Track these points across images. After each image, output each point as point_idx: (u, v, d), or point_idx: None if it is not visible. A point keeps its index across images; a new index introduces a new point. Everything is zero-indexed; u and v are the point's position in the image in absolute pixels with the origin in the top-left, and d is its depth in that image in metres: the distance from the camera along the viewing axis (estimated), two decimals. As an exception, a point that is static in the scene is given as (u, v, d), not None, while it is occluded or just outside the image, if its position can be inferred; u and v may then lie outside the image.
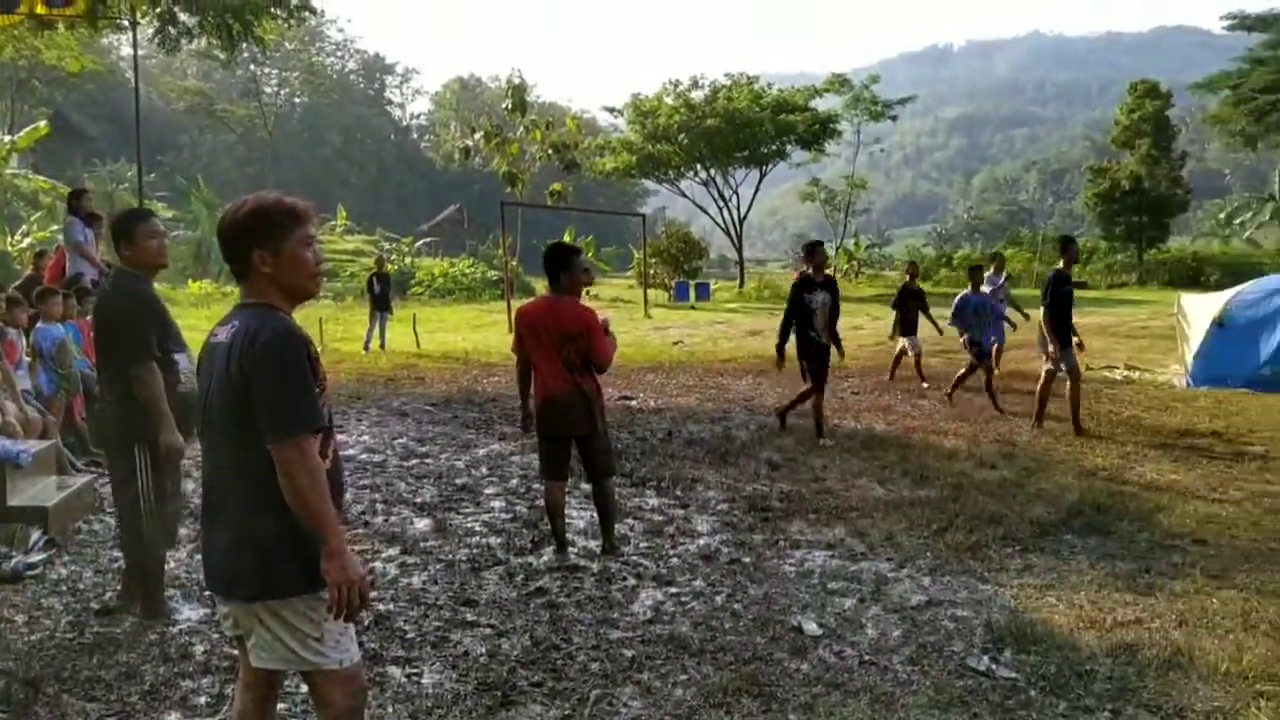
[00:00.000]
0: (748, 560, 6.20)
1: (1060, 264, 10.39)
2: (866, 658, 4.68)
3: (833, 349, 9.83)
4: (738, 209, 51.49)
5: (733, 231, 51.60)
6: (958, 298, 12.02)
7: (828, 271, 10.19)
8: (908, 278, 14.90)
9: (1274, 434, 10.27)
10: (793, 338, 9.86)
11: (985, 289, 13.44)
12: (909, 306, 13.77)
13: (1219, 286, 26.48)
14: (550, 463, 6.17)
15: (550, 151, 46.61)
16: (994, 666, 4.56)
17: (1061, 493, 7.75)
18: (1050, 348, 10.09)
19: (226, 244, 2.85)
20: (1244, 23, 47.56)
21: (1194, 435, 10.22)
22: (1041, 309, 10.24)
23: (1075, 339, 10.41)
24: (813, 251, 10.11)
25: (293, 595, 2.81)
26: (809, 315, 9.66)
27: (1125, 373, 15.47)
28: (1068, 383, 10.28)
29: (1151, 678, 4.46)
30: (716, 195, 50.95)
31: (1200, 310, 14.24)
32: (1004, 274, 14.62)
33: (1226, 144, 52.91)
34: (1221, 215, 69.33)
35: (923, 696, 4.26)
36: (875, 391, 13.18)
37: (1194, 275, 44.79)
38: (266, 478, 2.71)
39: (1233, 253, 52.75)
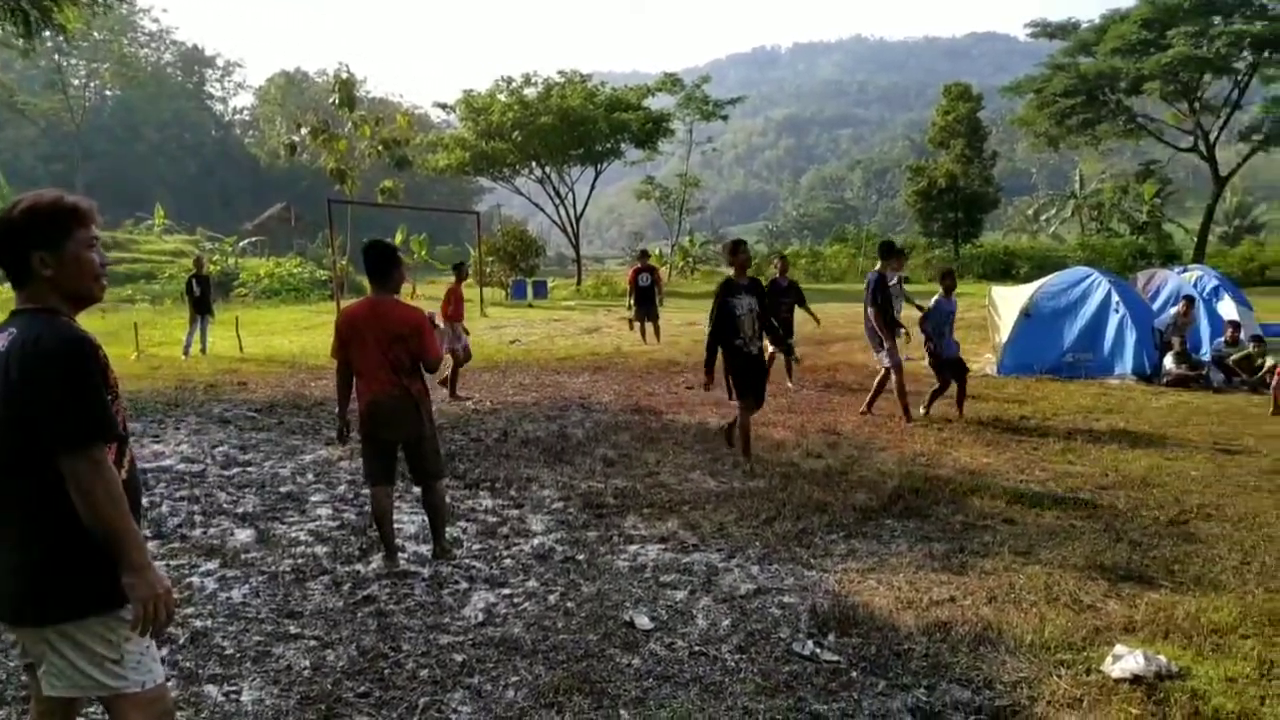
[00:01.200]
0: (582, 558, 6.20)
1: (878, 265, 10.86)
2: (697, 648, 4.75)
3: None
4: (574, 206, 51.59)
5: (569, 229, 51.67)
6: (933, 301, 11.37)
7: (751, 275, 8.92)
8: (777, 274, 13.83)
9: (1074, 417, 10.95)
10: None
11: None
12: (781, 305, 13.07)
13: (1028, 279, 28.10)
14: (376, 467, 6.01)
15: (380, 148, 45.51)
16: (818, 650, 4.70)
17: (883, 479, 8.04)
18: (886, 343, 10.62)
19: (1, 246, 2.65)
20: (1046, 31, 50.57)
21: (1004, 420, 10.78)
22: (870, 308, 10.66)
23: (902, 331, 11.00)
24: (735, 250, 8.80)
25: (85, 616, 2.65)
26: (735, 323, 8.52)
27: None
28: (892, 375, 10.73)
29: (963, 653, 4.68)
30: (552, 193, 50.92)
31: (1009, 301, 15.05)
32: (902, 270, 14.36)
33: (1032, 145, 56.04)
34: (1029, 211, 73.60)
35: (750, 684, 4.34)
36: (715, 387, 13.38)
37: (1005, 268, 47.36)
38: (51, 493, 2.54)
39: (1040, 247, 56.03)
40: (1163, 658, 4.47)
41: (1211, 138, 48.38)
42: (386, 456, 6.00)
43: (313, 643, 4.88)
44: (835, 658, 4.63)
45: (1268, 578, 5.72)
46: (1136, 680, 4.31)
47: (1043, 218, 70.01)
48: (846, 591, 5.54)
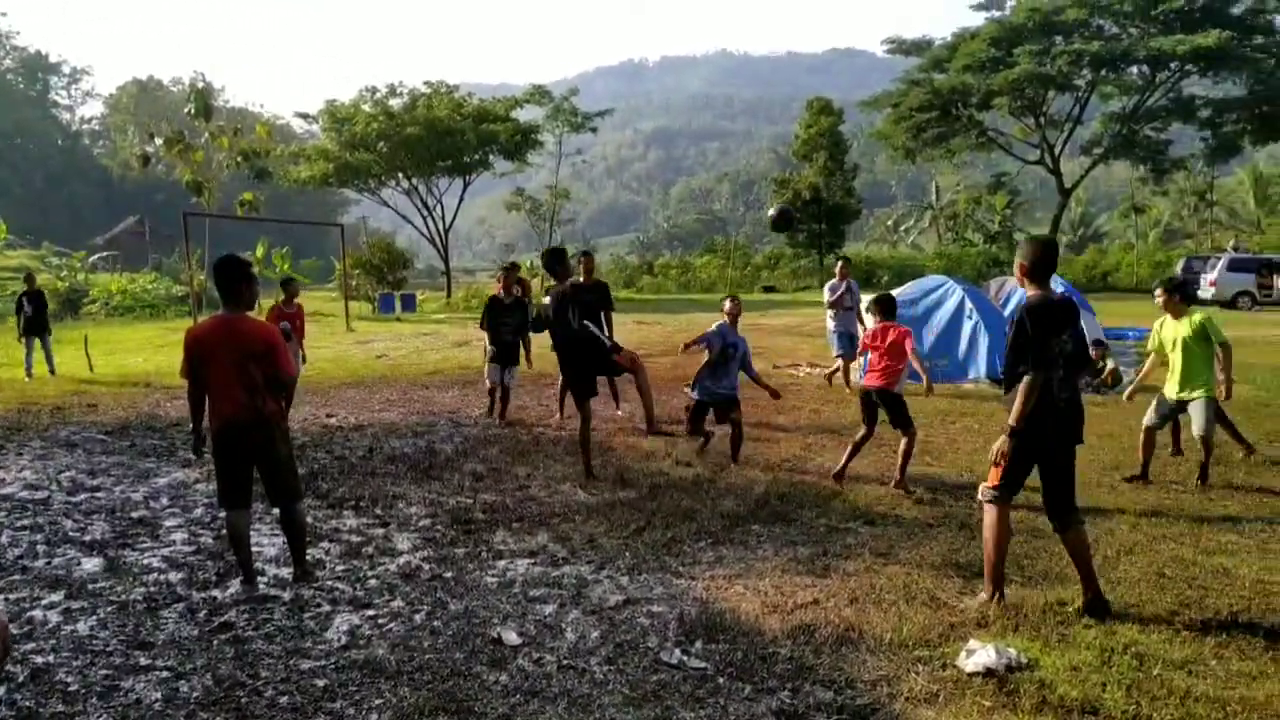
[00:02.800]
0: (449, 575, 6.11)
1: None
2: (565, 662, 4.73)
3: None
4: (443, 218, 51.01)
5: (438, 241, 51.08)
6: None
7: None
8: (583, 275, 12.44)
9: (931, 420, 11.33)
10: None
11: (827, 294, 14.14)
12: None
13: (889, 287, 28.95)
14: (231, 490, 5.80)
15: (239, 159, 44.21)
16: (685, 659, 4.73)
17: (750, 485, 8.17)
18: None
19: None
20: (901, 48, 52.47)
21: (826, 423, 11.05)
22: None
23: None
24: (508, 272, 10.05)
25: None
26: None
27: (808, 370, 16.59)
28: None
29: (826, 654, 4.79)
30: (420, 205, 50.26)
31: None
32: (848, 278, 14.28)
33: (891, 157, 58.03)
34: (889, 222, 76.17)
35: (618, 695, 4.35)
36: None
37: (868, 277, 48.77)
38: None
39: (900, 256, 58.01)
40: (1013, 650, 4.66)
41: (1056, 151, 50.96)
42: (241, 478, 5.80)
43: (165, 674, 4.68)
44: (702, 665, 4.67)
45: (1109, 569, 6.02)
46: (989, 673, 4.48)
47: (902, 228, 72.54)
48: (714, 598, 5.60)
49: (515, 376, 11.87)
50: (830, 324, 14.33)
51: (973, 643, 4.75)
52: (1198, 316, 8.52)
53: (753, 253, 68.26)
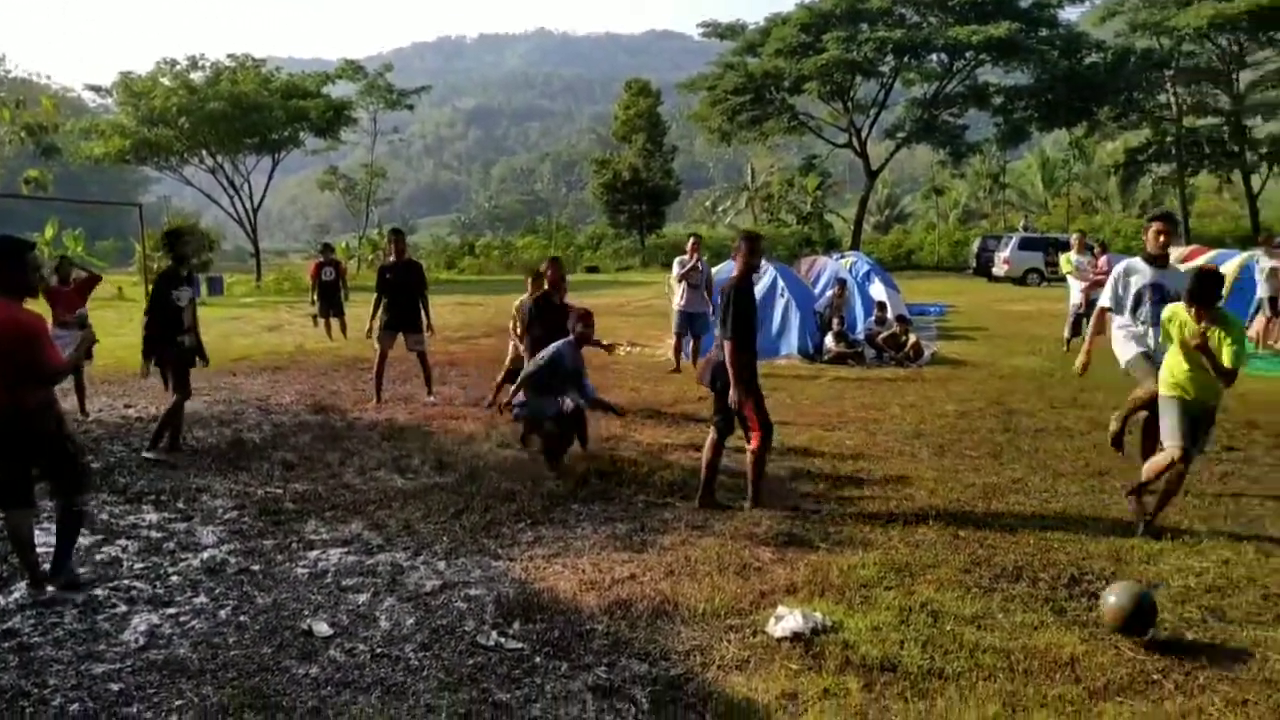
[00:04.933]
0: (257, 568, 5.89)
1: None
2: (379, 650, 4.64)
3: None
4: (251, 198, 48.89)
5: (247, 222, 48.96)
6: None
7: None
8: (392, 254, 11.65)
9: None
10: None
11: (675, 269, 13.90)
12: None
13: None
14: (6, 490, 5.39)
15: (24, 134, 41.08)
16: (502, 640, 4.72)
17: (570, 464, 8.19)
18: None
19: None
20: (717, 31, 53.37)
21: (684, 402, 11.29)
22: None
23: None
24: (174, 242, 9.26)
25: None
26: (176, 314, 8.73)
27: (628, 348, 16.76)
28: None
29: (643, 628, 4.87)
30: (226, 183, 48.01)
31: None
32: (698, 255, 14.11)
33: (708, 139, 59.02)
34: (708, 203, 77.63)
35: (434, 681, 4.30)
36: (398, 381, 13.08)
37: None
38: None
39: (718, 237, 59.16)
40: (819, 614, 4.86)
41: (863, 135, 53.00)
42: (14, 475, 5.39)
43: (-63, 689, 4.33)
44: (519, 645, 4.67)
45: (909, 533, 6.34)
46: (796, 638, 4.66)
47: (720, 209, 74.05)
48: (532, 579, 5.60)
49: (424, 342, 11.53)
50: (676, 301, 14.15)
51: (781, 609, 4.92)
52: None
53: (575, 233, 68.44)
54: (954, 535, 6.27)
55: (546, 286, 9.30)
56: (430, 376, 11.63)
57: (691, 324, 13.72)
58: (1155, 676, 4.29)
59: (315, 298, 19.01)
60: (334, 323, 18.57)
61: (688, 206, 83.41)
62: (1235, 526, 6.45)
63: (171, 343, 8.75)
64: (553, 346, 8.22)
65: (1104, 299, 7.64)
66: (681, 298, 13.77)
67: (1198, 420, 6.25)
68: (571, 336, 8.28)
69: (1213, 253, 22.57)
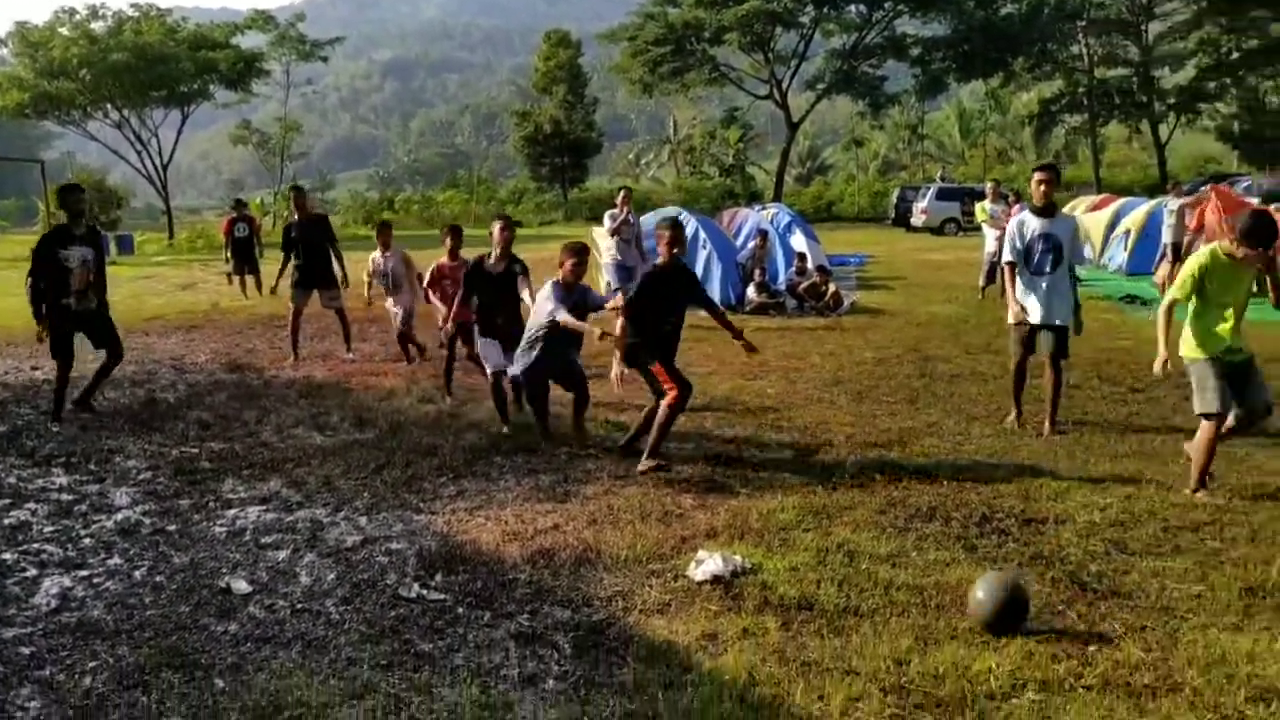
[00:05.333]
0: (173, 528, 5.79)
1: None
2: (299, 606, 4.61)
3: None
4: (160, 154, 47.40)
5: (156, 178, 47.50)
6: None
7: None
8: (295, 211, 11.58)
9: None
10: None
11: (606, 223, 13.64)
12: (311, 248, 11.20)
13: (629, 220, 29.43)
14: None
15: (-92, 87, 39.29)
16: (424, 592, 4.72)
17: (493, 419, 8.15)
18: None
19: None
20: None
21: (606, 355, 11.27)
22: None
23: None
24: (66, 198, 8.66)
25: None
26: (64, 275, 8.27)
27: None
28: None
29: (565, 576, 4.90)
30: (133, 138, 46.44)
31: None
32: (629, 208, 13.62)
33: (630, 91, 58.58)
34: (631, 156, 77.28)
35: (355, 634, 4.29)
36: (316, 339, 12.88)
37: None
38: None
39: (642, 190, 59.07)
40: (738, 557, 4.94)
41: (784, 86, 53.08)
42: None
43: None
44: (442, 597, 4.68)
45: (825, 477, 6.46)
46: (716, 580, 4.73)
47: (643, 161, 73.79)
48: (454, 531, 5.60)
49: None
50: (607, 256, 14.12)
51: (701, 553, 5.00)
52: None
53: (496, 187, 67.67)
54: (870, 478, 6.41)
55: (499, 251, 7.85)
56: (349, 333, 11.48)
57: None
58: (1060, 607, 4.46)
59: (229, 255, 18.58)
60: (249, 280, 18.16)
61: (611, 159, 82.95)
62: (1139, 463, 6.68)
63: (55, 305, 8.30)
64: (544, 298, 7.07)
65: (1006, 254, 7.81)
66: (614, 251, 13.79)
67: (1233, 376, 5.93)
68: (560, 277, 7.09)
69: (1121, 201, 23.22)
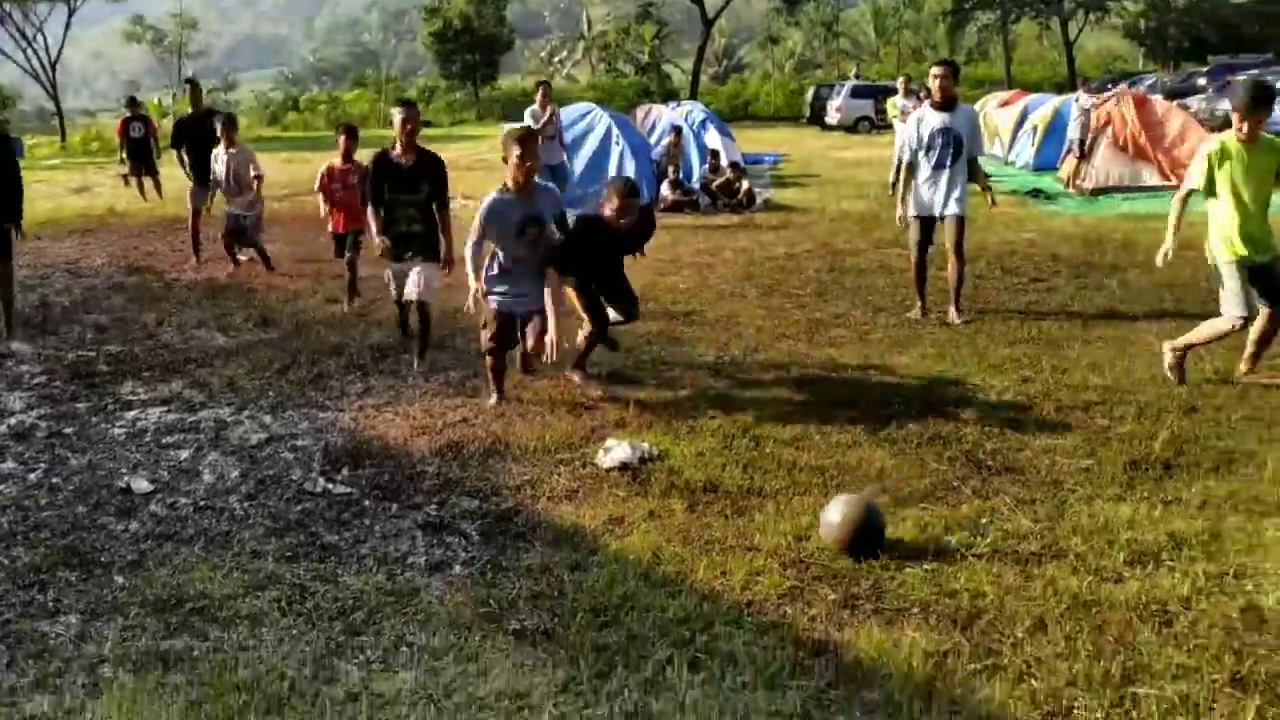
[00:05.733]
0: (70, 431, 5.64)
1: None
2: (202, 503, 4.55)
3: None
4: (48, 51, 44.96)
5: (44, 78, 45.13)
6: None
7: None
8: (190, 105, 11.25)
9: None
10: None
11: (529, 120, 12.59)
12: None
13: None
14: None
15: None
16: (330, 486, 4.70)
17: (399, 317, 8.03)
18: None
19: None
20: None
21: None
22: None
23: None
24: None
25: None
26: None
27: (463, 202, 16.40)
28: None
29: (474, 468, 4.92)
30: (17, 35, 43.91)
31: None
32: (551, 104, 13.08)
33: (543, -15, 57.03)
34: (544, 54, 75.54)
35: (260, 529, 4.26)
36: (219, 241, 12.46)
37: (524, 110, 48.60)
38: None
39: (557, 88, 57.93)
40: (646, 444, 5.00)
41: (698, -19, 52.08)
42: None
43: None
44: (348, 490, 4.66)
45: (736, 368, 6.54)
46: (624, 467, 4.79)
47: (557, 59, 72.27)
48: (361, 428, 5.56)
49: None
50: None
51: (610, 441, 5.04)
52: None
53: (406, 86, 65.72)
54: (778, 367, 6.51)
55: (404, 141, 6.69)
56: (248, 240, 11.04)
57: (554, 176, 13.43)
58: (955, 484, 4.61)
59: (125, 156, 17.80)
60: (147, 182, 17.47)
61: (524, 58, 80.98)
62: (1036, 349, 6.87)
63: None
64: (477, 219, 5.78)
65: (904, 152, 7.87)
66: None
67: (1259, 275, 5.67)
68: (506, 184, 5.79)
69: (1030, 97, 23.44)
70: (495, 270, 5.89)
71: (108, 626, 3.47)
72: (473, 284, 5.88)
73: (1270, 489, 4.39)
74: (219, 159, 9.87)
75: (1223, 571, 3.68)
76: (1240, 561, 3.75)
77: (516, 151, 5.67)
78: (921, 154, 7.66)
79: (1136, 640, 3.24)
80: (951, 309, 7.68)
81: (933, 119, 7.66)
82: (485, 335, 5.89)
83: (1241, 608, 3.43)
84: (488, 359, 5.93)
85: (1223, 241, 5.75)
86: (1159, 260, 5.98)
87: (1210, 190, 5.76)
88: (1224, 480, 4.53)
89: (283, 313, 8.38)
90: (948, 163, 7.57)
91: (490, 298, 5.90)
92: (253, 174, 9.78)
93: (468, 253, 5.88)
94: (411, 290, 6.68)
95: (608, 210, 6.07)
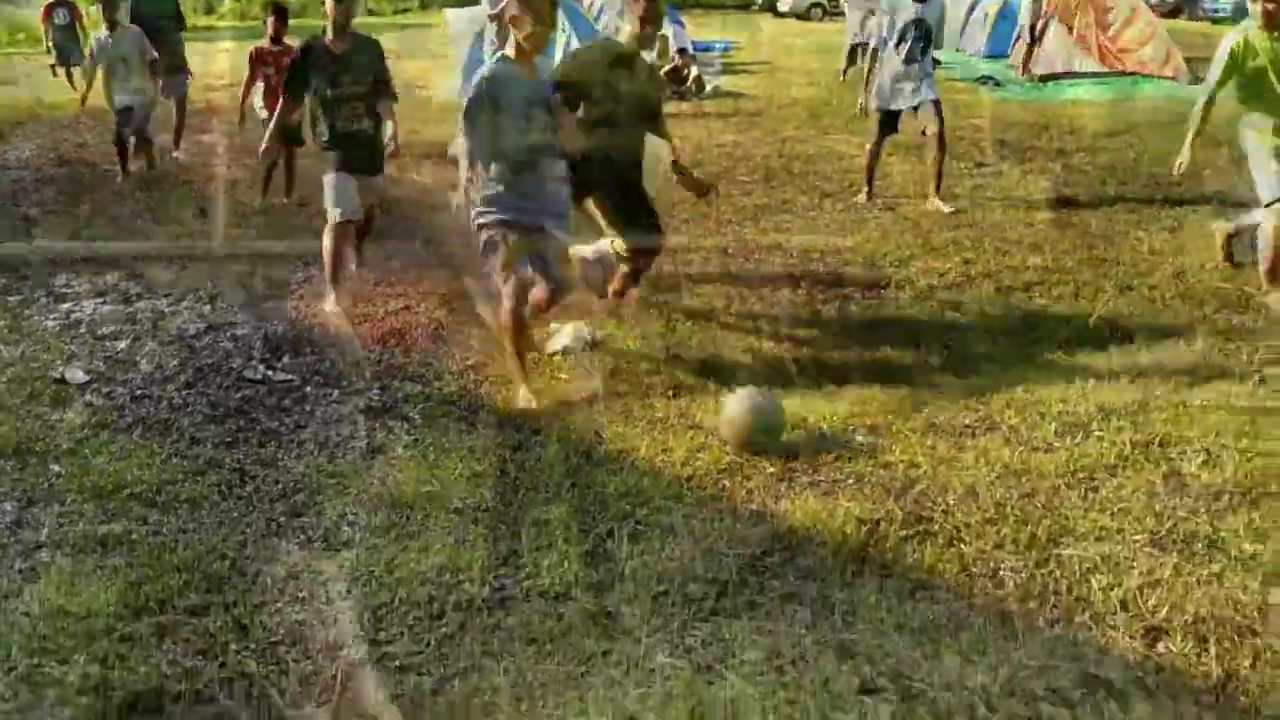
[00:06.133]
0: (2, 324, 5.52)
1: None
2: (140, 392, 4.50)
3: None
4: (-38, -66, 42.66)
5: (-39, -37, 42.90)
6: None
7: None
8: None
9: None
10: None
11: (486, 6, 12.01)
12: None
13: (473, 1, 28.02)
14: None
15: None
16: (270, 373, 4.67)
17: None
18: None
19: None
20: None
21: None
22: None
23: None
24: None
25: None
26: None
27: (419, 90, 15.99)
28: None
29: (417, 354, 4.89)
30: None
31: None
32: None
33: None
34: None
35: (199, 415, 4.23)
36: (158, 131, 12.06)
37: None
38: None
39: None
40: (588, 329, 4.99)
41: None
42: None
43: None
44: (289, 377, 4.63)
45: (668, 257, 6.25)
46: (567, 351, 4.80)
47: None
48: (303, 316, 5.49)
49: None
50: (487, 47, 13.21)
51: (555, 325, 5.03)
52: None
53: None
54: (722, 251, 6.50)
55: (336, 22, 5.54)
56: (182, 126, 10.65)
57: None
58: (894, 361, 4.68)
59: (50, 45, 17.06)
60: (75, 71, 16.79)
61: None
62: (978, 232, 6.92)
63: None
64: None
65: (873, 39, 7.73)
66: (494, 40, 12.96)
67: None
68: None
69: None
70: (489, 192, 4.33)
71: (44, 513, 3.44)
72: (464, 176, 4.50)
73: (1198, 361, 4.50)
74: (100, 40, 9.16)
75: (1148, 440, 3.78)
76: (1166, 431, 3.86)
77: (529, 17, 4.05)
78: (892, 45, 7.47)
79: (1063, 505, 3.35)
80: (936, 199, 7.53)
81: (907, 8, 7.37)
82: (501, 305, 4.39)
83: (1165, 474, 3.55)
84: (508, 337, 4.37)
85: (1252, 122, 5.32)
86: (1174, 170, 5.68)
87: (1238, 91, 5.25)
88: (1154, 353, 4.64)
89: (221, 204, 8.19)
90: (919, 56, 7.39)
91: (484, 225, 4.44)
92: (147, 58, 9.13)
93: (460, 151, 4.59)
94: (350, 208, 5.65)
95: (628, 24, 4.80)
